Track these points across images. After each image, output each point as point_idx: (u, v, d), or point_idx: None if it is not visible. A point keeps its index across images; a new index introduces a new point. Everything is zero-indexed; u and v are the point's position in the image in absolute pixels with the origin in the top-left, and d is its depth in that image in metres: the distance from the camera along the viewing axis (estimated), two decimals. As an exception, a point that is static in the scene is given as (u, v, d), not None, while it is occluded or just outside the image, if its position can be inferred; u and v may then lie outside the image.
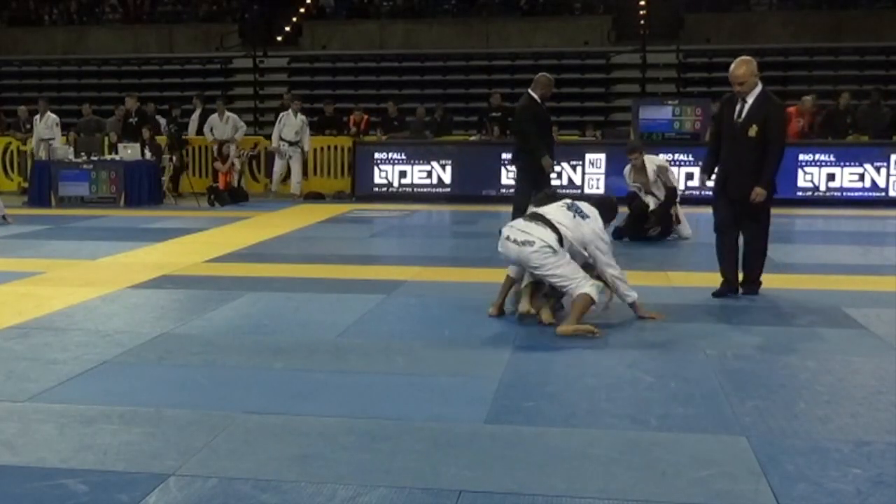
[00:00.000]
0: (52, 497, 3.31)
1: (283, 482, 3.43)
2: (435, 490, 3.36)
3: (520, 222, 6.15)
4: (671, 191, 10.48)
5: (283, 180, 15.91)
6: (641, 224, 10.33)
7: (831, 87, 17.84)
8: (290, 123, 15.56)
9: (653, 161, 10.61)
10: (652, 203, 10.41)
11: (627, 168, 10.74)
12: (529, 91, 9.87)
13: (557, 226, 5.97)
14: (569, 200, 6.32)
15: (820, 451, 3.75)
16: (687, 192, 13.12)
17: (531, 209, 6.45)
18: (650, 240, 10.20)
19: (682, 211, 10.67)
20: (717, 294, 7.05)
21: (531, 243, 5.87)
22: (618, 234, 10.09)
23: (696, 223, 10.68)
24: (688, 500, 3.30)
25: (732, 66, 6.91)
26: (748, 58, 6.99)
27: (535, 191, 9.70)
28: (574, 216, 6.10)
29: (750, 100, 6.85)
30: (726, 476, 3.50)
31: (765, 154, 6.82)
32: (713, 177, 7.26)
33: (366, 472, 3.52)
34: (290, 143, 15.51)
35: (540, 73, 10.15)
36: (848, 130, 15.28)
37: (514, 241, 5.95)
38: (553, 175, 11.07)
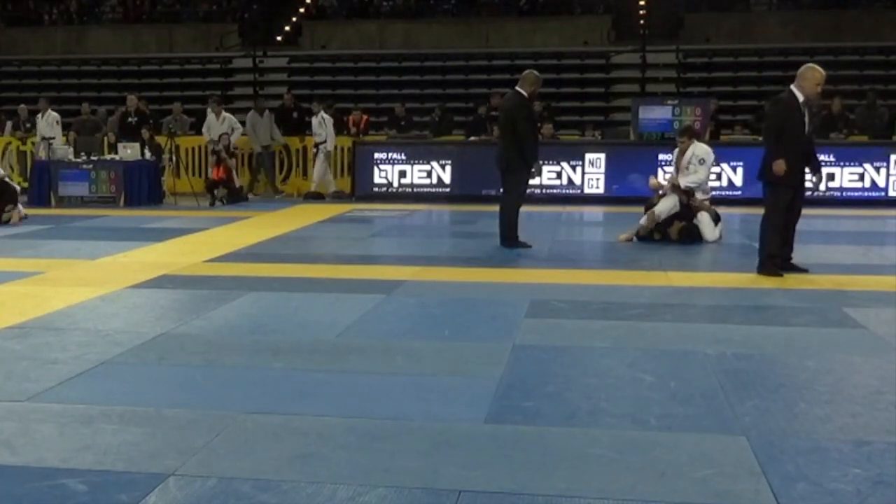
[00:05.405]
0: (52, 497, 3.31)
1: (283, 482, 3.43)
2: (435, 490, 3.36)
3: None
4: (686, 194, 10.05)
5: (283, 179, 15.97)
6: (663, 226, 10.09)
7: (831, 87, 17.82)
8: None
9: (697, 147, 10.28)
10: (665, 203, 10.05)
11: (676, 150, 10.54)
12: (518, 88, 9.54)
13: None
14: None
15: (820, 451, 3.75)
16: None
17: None
18: (667, 241, 9.98)
19: (706, 215, 10.11)
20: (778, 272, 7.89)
21: None
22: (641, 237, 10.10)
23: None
24: (688, 500, 3.30)
25: (820, 74, 7.97)
26: None
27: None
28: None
29: (808, 106, 8.00)
30: (726, 476, 3.50)
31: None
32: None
33: (365, 472, 3.52)
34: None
35: (528, 70, 9.81)
36: (842, 131, 15.31)
37: None
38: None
